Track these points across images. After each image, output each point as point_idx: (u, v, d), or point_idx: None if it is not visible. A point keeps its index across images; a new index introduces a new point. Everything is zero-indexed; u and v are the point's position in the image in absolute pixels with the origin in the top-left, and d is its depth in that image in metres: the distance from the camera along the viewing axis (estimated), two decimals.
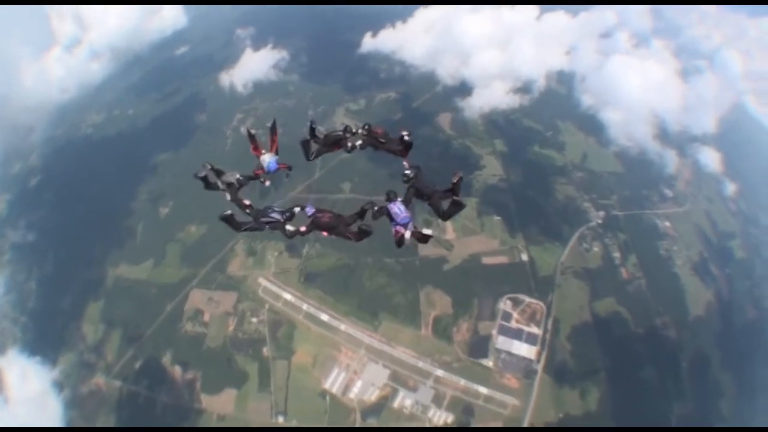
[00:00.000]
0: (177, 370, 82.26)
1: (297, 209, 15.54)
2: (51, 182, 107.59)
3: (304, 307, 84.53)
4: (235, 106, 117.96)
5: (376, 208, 15.76)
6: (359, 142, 16.81)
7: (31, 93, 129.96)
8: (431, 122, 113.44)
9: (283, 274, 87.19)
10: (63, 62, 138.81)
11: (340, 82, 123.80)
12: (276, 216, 15.28)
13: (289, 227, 15.09)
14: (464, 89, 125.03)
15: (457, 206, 16.10)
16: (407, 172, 16.23)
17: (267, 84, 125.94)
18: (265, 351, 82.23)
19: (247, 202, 15.80)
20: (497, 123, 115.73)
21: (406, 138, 17.15)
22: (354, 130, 16.99)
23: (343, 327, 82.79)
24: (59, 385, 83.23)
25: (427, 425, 77.88)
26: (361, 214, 15.61)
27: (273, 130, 16.87)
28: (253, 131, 17.16)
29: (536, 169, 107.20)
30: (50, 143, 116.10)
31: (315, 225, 15.29)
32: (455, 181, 16.18)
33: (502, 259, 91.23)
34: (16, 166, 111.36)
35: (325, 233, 15.41)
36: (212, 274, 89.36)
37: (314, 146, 17.04)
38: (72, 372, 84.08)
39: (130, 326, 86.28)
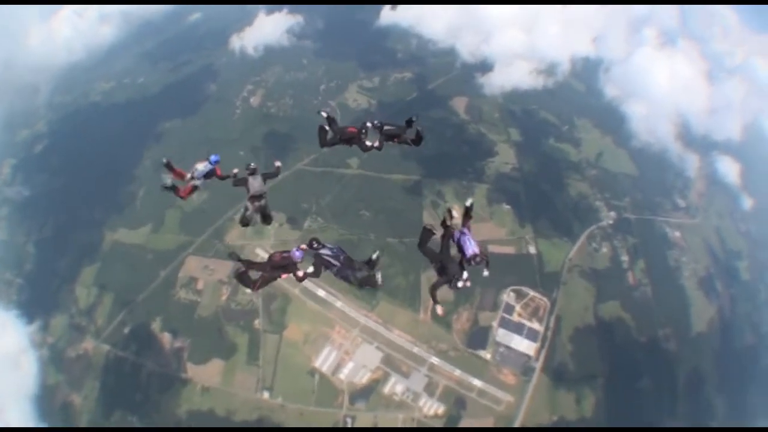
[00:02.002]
0: (166, 337, 79.75)
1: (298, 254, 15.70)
2: (56, 148, 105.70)
3: None
4: (246, 78, 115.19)
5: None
6: (377, 143, 17.07)
7: (37, 53, 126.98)
8: (446, 105, 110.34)
9: (282, 245, 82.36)
10: (71, 23, 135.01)
11: (355, 58, 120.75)
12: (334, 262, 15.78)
13: (299, 272, 15.63)
14: (485, 66, 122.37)
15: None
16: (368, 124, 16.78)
17: (279, 50, 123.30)
18: (257, 323, 79.42)
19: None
20: (513, 112, 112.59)
21: (415, 124, 17.78)
22: (369, 126, 17.26)
23: (338, 304, 79.71)
24: (45, 346, 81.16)
25: (416, 414, 75.00)
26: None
27: (170, 166, 16.73)
28: (165, 160, 16.85)
29: (550, 162, 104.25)
30: (58, 110, 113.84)
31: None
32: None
33: (508, 249, 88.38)
34: (22, 132, 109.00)
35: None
36: (210, 242, 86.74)
37: (330, 134, 17.24)
38: (62, 335, 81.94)
39: (123, 291, 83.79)
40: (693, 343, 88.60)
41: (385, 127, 17.63)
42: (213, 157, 16.81)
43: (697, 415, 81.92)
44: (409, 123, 17.69)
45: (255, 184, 16.51)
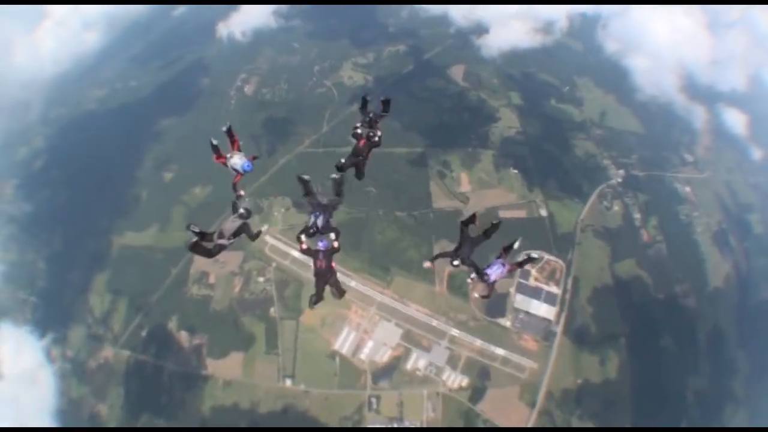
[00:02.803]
0: (183, 336, 79.33)
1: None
2: (56, 161, 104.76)
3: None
4: (238, 67, 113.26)
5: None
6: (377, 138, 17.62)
7: (23, 68, 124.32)
8: (443, 74, 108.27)
9: (291, 230, 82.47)
10: (55, 34, 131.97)
11: (347, 36, 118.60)
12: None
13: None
14: (480, 29, 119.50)
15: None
16: (455, 263, 16.79)
17: (268, 33, 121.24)
18: (272, 311, 78.60)
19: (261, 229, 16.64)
20: (512, 76, 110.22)
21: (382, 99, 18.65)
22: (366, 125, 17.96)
23: (353, 284, 78.28)
24: (65, 360, 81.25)
25: (441, 389, 74.34)
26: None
27: (230, 132, 16.48)
28: (215, 142, 16.39)
29: (554, 123, 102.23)
30: (54, 124, 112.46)
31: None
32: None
33: (520, 213, 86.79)
34: (21, 151, 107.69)
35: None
36: None
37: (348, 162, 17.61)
38: (81, 347, 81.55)
39: (136, 294, 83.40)
40: (711, 299, 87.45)
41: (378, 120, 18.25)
42: (247, 165, 16.47)
43: (719, 373, 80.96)
44: (386, 103, 18.71)
45: (227, 225, 15.54)
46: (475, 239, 16.92)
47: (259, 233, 16.29)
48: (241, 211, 15.50)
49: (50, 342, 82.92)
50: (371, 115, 18.17)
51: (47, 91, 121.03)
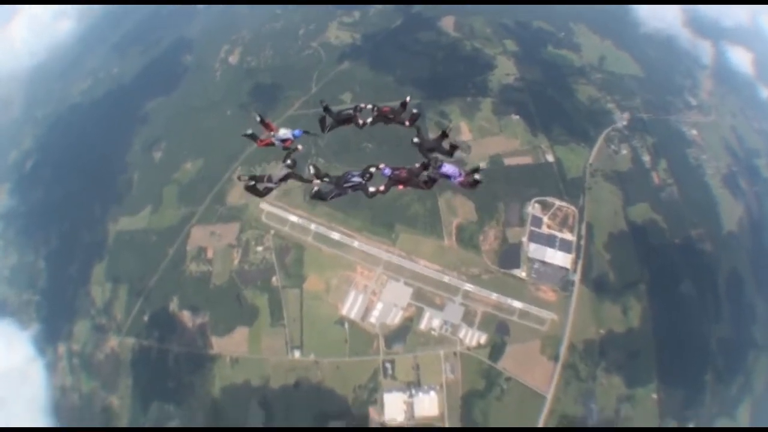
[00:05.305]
0: (186, 316, 76.28)
1: (373, 169, 16.80)
2: (47, 159, 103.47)
3: (312, 227, 76.80)
4: (221, 39, 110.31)
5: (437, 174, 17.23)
6: (369, 119, 18.19)
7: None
8: (434, 26, 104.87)
9: (287, 195, 78.79)
10: (27, 26, 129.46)
11: None
12: (357, 179, 16.73)
13: (371, 188, 16.60)
14: None
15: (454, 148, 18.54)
16: (415, 140, 17.89)
17: None
18: (274, 281, 74.98)
19: (314, 178, 17.18)
20: (506, 25, 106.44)
21: (413, 111, 18.69)
22: (363, 106, 18.14)
23: (356, 244, 74.95)
24: (73, 355, 79.77)
25: (458, 348, 70.68)
26: (425, 166, 17.04)
27: (263, 120, 18.21)
28: (250, 131, 18.43)
29: (552, 69, 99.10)
30: (41, 123, 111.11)
31: (393, 182, 16.80)
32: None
33: (525, 160, 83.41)
34: (11, 154, 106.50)
35: (400, 187, 17.01)
36: (212, 208, 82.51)
37: (329, 121, 18.40)
38: (87, 339, 79.53)
39: (135, 279, 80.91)
40: (726, 242, 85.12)
41: (383, 109, 18.54)
42: (297, 132, 18.24)
43: (740, 319, 78.66)
44: (404, 105, 18.61)
45: (276, 172, 17.52)
46: (441, 148, 18.16)
47: (310, 180, 17.35)
48: (288, 161, 17.15)
49: (56, 337, 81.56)
50: (382, 108, 18.42)
51: (28, 87, 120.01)
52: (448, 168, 17.13)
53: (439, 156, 17.64)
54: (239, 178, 17.12)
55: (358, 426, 68.05)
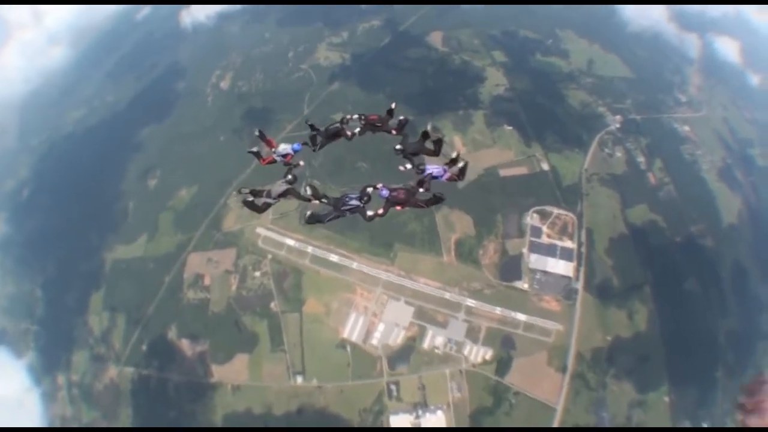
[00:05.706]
0: (185, 344, 75.29)
1: (370, 190, 16.50)
2: (43, 188, 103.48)
3: (310, 250, 75.92)
4: (212, 64, 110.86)
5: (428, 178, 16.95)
6: (357, 129, 18.04)
7: None
8: (422, 42, 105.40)
9: (283, 219, 78.49)
10: (21, 52, 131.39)
11: (318, 19, 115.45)
12: (355, 202, 16.42)
13: (369, 212, 16.22)
14: None
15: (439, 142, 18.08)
16: (398, 146, 17.64)
17: (234, 13, 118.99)
18: (273, 306, 74.00)
19: (312, 198, 16.93)
20: (493, 36, 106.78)
21: (399, 118, 18.41)
22: (350, 117, 18.18)
23: (355, 265, 74.00)
24: (72, 386, 78.86)
25: (464, 365, 69.48)
26: (420, 183, 16.77)
27: (262, 135, 18.21)
28: (255, 149, 18.39)
29: (542, 76, 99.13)
30: (35, 152, 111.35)
31: (391, 203, 16.43)
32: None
33: (521, 170, 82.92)
34: (8, 183, 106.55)
35: (399, 208, 16.61)
36: (208, 234, 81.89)
37: (319, 139, 18.19)
38: (86, 369, 78.52)
39: (133, 308, 79.99)
40: (727, 235, 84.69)
41: (369, 117, 18.33)
42: (297, 146, 17.97)
43: (747, 311, 77.87)
44: (390, 112, 18.34)
45: (275, 188, 17.17)
46: (425, 149, 17.72)
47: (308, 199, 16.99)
48: (288, 177, 16.76)
49: (54, 367, 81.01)
50: (368, 117, 18.28)
51: (22, 114, 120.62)
52: (432, 168, 17.05)
53: (425, 157, 17.54)
54: (240, 191, 17.18)
55: None
